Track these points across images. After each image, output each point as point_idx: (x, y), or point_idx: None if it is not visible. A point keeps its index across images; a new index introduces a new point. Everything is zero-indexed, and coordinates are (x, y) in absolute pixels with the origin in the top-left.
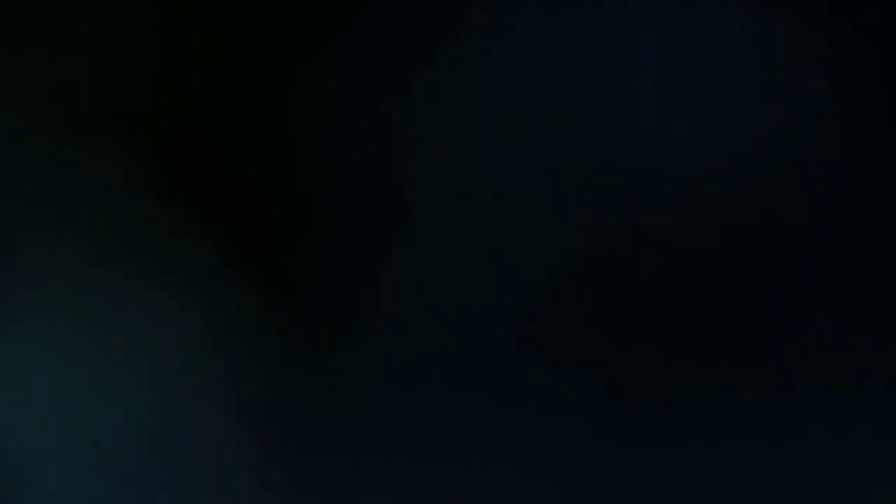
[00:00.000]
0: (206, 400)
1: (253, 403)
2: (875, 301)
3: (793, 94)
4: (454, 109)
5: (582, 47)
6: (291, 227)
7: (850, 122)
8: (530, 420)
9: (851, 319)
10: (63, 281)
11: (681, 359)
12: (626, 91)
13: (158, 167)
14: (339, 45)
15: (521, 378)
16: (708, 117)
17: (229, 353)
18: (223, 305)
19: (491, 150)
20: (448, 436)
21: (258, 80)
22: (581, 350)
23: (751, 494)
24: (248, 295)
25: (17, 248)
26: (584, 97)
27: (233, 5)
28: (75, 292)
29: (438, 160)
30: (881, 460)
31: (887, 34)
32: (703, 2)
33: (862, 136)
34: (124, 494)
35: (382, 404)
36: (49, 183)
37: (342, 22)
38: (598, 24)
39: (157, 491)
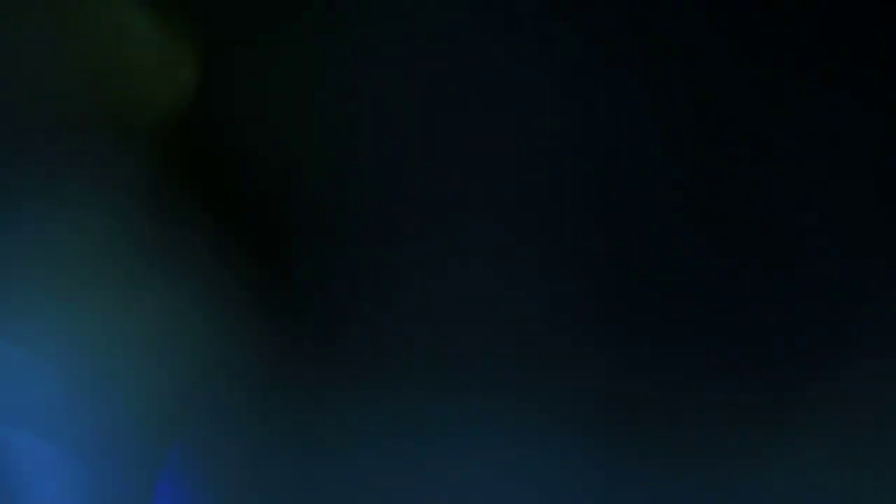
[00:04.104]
0: (205, 398)
1: (253, 402)
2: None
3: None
4: (454, 110)
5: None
6: (292, 224)
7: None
8: (531, 420)
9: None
10: (62, 280)
11: (684, 358)
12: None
13: (157, 166)
14: (339, 45)
15: (521, 379)
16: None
17: (228, 351)
18: (223, 303)
19: (488, 150)
20: (448, 436)
21: (259, 79)
22: (582, 351)
23: (754, 496)
24: (248, 293)
25: (17, 247)
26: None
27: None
28: (74, 291)
29: (438, 160)
30: (887, 462)
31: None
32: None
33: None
34: (123, 492)
35: (382, 404)
36: (48, 181)
37: (340, 21)
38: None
39: (156, 489)
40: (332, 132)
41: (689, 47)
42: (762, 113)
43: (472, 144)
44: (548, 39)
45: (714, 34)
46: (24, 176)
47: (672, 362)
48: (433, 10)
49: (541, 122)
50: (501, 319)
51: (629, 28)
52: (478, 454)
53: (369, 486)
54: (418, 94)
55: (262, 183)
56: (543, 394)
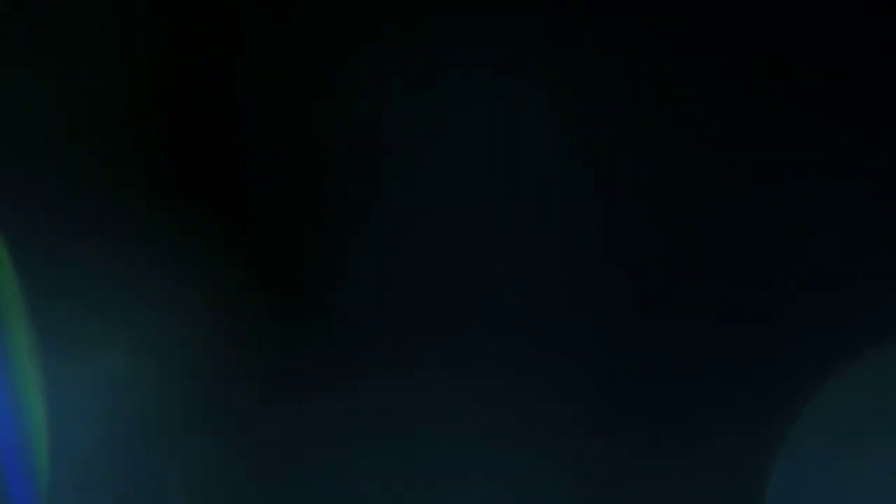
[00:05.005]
0: (205, 397)
1: (252, 401)
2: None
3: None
4: (456, 110)
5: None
6: (292, 224)
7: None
8: (530, 421)
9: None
10: (62, 280)
11: (684, 359)
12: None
13: (158, 166)
14: (341, 44)
15: (521, 379)
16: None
17: (228, 351)
18: (223, 303)
19: (489, 151)
20: (448, 436)
21: (259, 78)
22: (583, 353)
23: (753, 497)
24: (247, 293)
25: (18, 247)
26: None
27: (231, 5)
28: (74, 291)
29: (438, 161)
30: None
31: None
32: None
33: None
34: (123, 492)
35: (381, 405)
36: (49, 182)
37: (341, 21)
38: None
39: (156, 489)
40: (333, 132)
41: (691, 48)
42: (765, 114)
43: (473, 145)
44: (549, 39)
45: (716, 35)
46: (22, 179)
47: (672, 363)
48: (433, 11)
49: (541, 122)
50: (503, 321)
51: (630, 28)
52: (478, 456)
53: (368, 487)
54: (419, 94)
55: (261, 182)
56: (543, 394)
